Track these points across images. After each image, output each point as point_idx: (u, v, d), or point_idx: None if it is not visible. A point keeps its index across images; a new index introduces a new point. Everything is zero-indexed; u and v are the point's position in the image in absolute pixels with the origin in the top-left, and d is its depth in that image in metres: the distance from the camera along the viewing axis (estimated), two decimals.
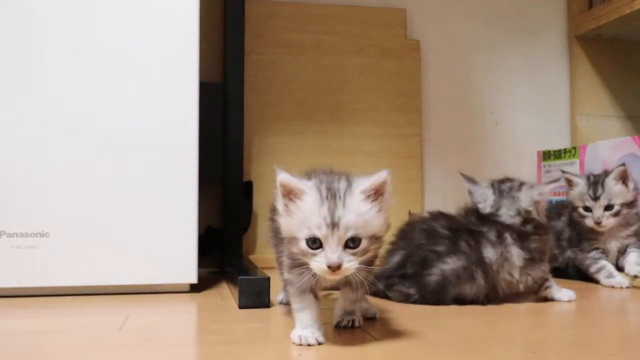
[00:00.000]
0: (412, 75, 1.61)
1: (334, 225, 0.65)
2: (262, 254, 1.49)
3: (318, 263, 0.65)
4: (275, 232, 0.75)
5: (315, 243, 0.65)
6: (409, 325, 0.80)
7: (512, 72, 1.69)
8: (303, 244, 0.66)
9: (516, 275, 0.96)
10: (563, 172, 1.25)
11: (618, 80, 1.68)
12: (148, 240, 1.04)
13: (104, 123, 1.05)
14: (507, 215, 0.99)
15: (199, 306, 0.97)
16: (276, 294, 0.95)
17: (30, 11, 1.03)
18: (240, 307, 0.92)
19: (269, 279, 0.94)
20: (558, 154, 1.51)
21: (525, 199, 0.98)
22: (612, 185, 1.16)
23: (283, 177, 0.68)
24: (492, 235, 0.98)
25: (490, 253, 0.96)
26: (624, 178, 1.16)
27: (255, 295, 0.93)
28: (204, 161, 1.14)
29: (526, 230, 0.98)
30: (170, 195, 1.06)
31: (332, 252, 0.65)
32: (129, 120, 1.06)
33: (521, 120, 1.69)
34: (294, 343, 0.69)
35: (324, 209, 0.65)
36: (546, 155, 1.56)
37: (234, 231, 1.39)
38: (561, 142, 1.68)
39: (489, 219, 1.00)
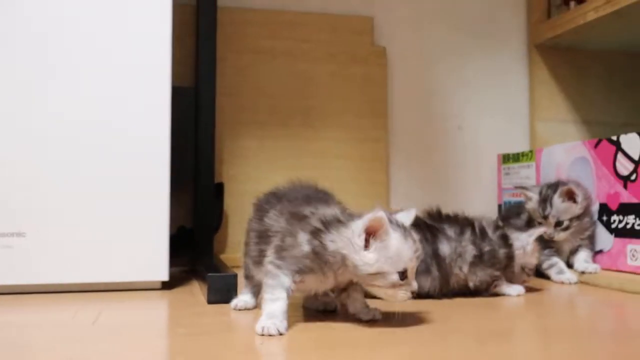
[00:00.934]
0: (379, 80, 1.67)
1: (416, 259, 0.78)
2: (233, 253, 1.54)
3: (403, 292, 0.77)
4: (260, 234, 0.83)
5: (403, 275, 0.77)
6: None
7: (475, 78, 1.76)
8: (395, 277, 0.76)
9: (465, 270, 1.03)
10: (517, 187, 1.33)
11: (574, 86, 1.76)
12: (121, 239, 1.09)
13: (79, 125, 1.09)
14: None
15: (170, 302, 1.02)
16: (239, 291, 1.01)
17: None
18: (209, 302, 0.97)
19: (236, 275, 0.99)
20: (516, 157, 1.58)
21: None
22: (559, 203, 1.24)
23: (382, 216, 0.75)
24: (451, 231, 1.05)
25: (445, 247, 1.03)
26: (570, 195, 1.24)
27: (223, 292, 0.98)
28: (176, 163, 1.19)
29: (490, 236, 1.06)
30: (142, 197, 1.10)
31: (415, 282, 0.78)
32: (103, 122, 1.10)
33: (483, 124, 1.76)
34: (256, 333, 0.75)
35: (410, 245, 0.77)
36: (505, 159, 1.63)
37: (205, 231, 1.43)
38: (521, 145, 1.76)
39: (452, 218, 1.07)
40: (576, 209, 1.25)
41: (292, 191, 0.88)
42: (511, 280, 1.09)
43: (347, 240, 0.77)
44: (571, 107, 1.76)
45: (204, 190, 1.44)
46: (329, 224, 0.78)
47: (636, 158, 1.20)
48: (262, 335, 0.74)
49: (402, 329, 0.79)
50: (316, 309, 0.91)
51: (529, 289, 1.12)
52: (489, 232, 1.07)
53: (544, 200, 1.27)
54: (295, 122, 1.61)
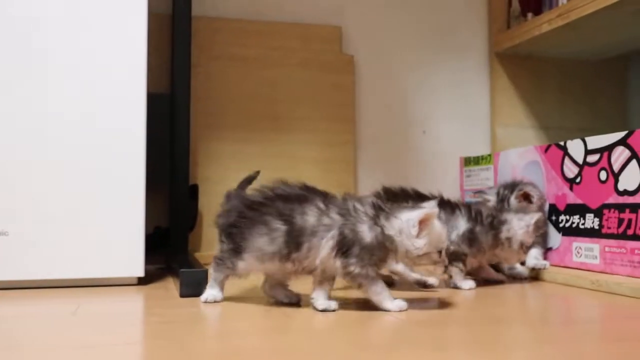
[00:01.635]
0: (346, 87, 1.75)
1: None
2: (208, 251, 1.62)
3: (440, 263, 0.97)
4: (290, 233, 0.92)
5: (440, 253, 0.93)
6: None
7: (439, 85, 1.85)
8: (436, 256, 0.93)
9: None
10: (476, 192, 1.41)
11: (532, 93, 1.85)
12: (99, 237, 1.16)
13: (58, 127, 1.16)
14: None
15: (145, 296, 1.09)
16: None
17: None
18: (181, 296, 1.05)
19: (206, 271, 1.07)
20: (477, 160, 1.67)
21: None
22: (516, 204, 1.33)
23: (434, 211, 0.92)
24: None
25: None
26: (525, 197, 1.33)
27: (195, 286, 1.05)
28: (152, 166, 1.26)
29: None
30: (119, 197, 1.18)
31: (446, 258, 0.97)
32: (81, 125, 1.17)
33: (446, 129, 1.85)
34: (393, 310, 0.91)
35: (444, 230, 0.95)
36: (467, 161, 1.72)
37: (180, 230, 1.50)
38: (482, 149, 1.85)
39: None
40: (533, 209, 1.33)
41: (288, 189, 0.96)
42: (508, 260, 1.22)
43: (398, 229, 0.91)
44: (529, 113, 1.85)
45: (179, 192, 1.51)
46: (377, 214, 0.92)
47: (580, 162, 1.29)
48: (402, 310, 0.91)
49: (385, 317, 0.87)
50: (280, 300, 0.99)
51: (485, 283, 1.21)
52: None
53: (502, 201, 1.35)
54: (266, 126, 1.69)
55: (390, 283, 1.21)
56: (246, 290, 1.13)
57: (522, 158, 1.48)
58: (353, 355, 0.67)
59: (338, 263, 0.90)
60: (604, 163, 1.23)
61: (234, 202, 1.01)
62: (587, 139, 1.28)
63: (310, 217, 0.91)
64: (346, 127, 1.75)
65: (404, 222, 0.91)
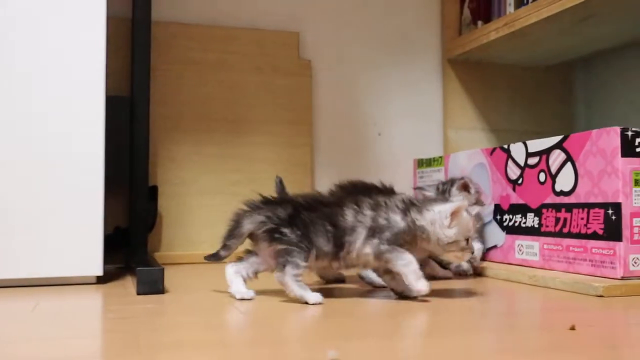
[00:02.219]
0: (304, 91, 1.80)
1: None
2: (167, 251, 1.66)
3: (468, 253, 1.04)
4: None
5: (467, 242, 1.03)
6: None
7: (394, 89, 1.92)
8: (464, 243, 1.02)
9: None
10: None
11: (482, 97, 1.93)
12: (58, 237, 1.19)
13: (16, 128, 1.19)
14: None
15: (103, 294, 1.12)
16: (168, 283, 1.13)
17: None
18: (138, 293, 1.09)
19: (163, 269, 1.11)
20: (429, 162, 1.74)
21: None
22: (457, 194, 1.39)
23: (465, 204, 1.02)
24: None
25: None
26: (465, 187, 1.40)
27: (151, 284, 1.09)
28: (113, 167, 1.30)
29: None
30: (78, 197, 1.21)
31: (472, 245, 1.06)
32: (39, 126, 1.20)
33: (400, 131, 1.92)
34: (421, 292, 0.99)
35: (472, 220, 1.04)
36: (420, 163, 1.78)
37: (140, 231, 1.54)
38: (435, 151, 1.92)
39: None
40: (472, 199, 1.40)
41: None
42: (437, 254, 1.24)
43: (430, 220, 1.01)
44: (480, 116, 1.93)
45: (139, 193, 1.54)
46: (409, 207, 1.02)
47: (522, 164, 1.36)
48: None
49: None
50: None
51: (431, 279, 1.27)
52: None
53: (443, 193, 1.41)
54: (225, 128, 1.73)
55: (342, 280, 1.26)
56: (210, 287, 1.17)
57: (470, 160, 1.54)
58: (308, 344, 0.72)
59: (368, 248, 1.00)
60: (542, 165, 1.30)
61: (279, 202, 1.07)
62: (528, 142, 1.35)
63: (348, 217, 1.01)
64: (304, 129, 1.80)
65: (437, 214, 1.01)
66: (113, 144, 1.30)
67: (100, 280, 1.24)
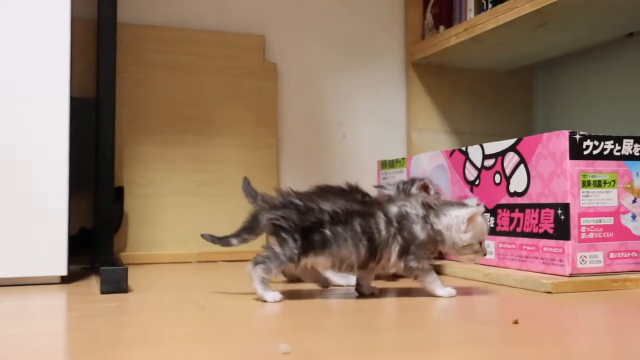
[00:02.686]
0: (269, 93, 1.83)
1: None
2: (133, 251, 1.67)
3: (481, 255, 1.08)
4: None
5: (481, 244, 1.07)
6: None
7: (358, 92, 1.96)
8: (477, 246, 1.06)
9: None
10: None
11: (445, 100, 1.98)
12: (21, 237, 1.21)
13: None
14: None
15: (67, 293, 1.14)
16: (133, 282, 1.15)
17: None
18: (102, 292, 1.11)
19: (126, 269, 1.13)
20: (392, 164, 1.78)
21: None
22: (417, 194, 1.43)
23: (482, 209, 1.06)
24: None
25: None
26: (424, 188, 1.44)
27: (115, 283, 1.11)
28: (78, 168, 1.31)
29: None
30: (42, 198, 1.22)
31: (486, 247, 1.10)
32: (3, 127, 1.21)
33: (365, 133, 1.96)
34: (448, 295, 1.06)
35: (486, 223, 1.09)
36: (384, 164, 1.82)
37: (106, 231, 1.55)
38: (399, 152, 1.96)
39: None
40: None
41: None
42: None
43: (446, 224, 1.05)
44: (442, 119, 1.98)
45: (104, 194, 1.55)
46: (427, 213, 1.05)
47: (479, 166, 1.41)
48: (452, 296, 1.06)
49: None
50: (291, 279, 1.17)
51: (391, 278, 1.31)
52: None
53: (403, 192, 1.45)
54: (192, 130, 1.75)
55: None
56: (175, 286, 1.19)
57: (431, 162, 1.59)
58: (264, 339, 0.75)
59: (401, 263, 1.05)
60: (498, 167, 1.35)
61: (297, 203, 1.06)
62: (484, 145, 1.39)
63: (383, 231, 1.04)
64: (269, 131, 1.83)
65: (453, 219, 1.05)
66: (79, 145, 1.32)
67: (64, 280, 1.26)
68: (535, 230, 1.24)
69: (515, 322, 0.83)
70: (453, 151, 1.50)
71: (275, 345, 0.68)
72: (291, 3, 1.90)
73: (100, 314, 0.92)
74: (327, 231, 1.01)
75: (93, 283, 1.26)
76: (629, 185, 1.21)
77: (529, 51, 1.81)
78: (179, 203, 1.72)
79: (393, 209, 1.06)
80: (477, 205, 1.08)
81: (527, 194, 1.27)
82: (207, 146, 1.76)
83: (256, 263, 1.01)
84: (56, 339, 0.78)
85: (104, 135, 1.55)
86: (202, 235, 1.11)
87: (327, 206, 1.03)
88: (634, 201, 1.22)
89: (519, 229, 1.29)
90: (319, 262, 1.04)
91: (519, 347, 0.71)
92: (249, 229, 1.08)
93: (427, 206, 1.07)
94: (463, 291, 1.13)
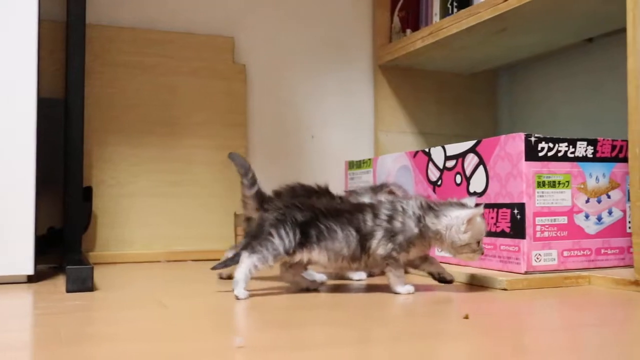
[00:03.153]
0: (239, 94, 1.86)
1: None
2: (102, 251, 1.69)
3: (478, 254, 1.11)
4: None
5: (479, 243, 1.11)
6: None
7: (327, 93, 1.99)
8: (475, 245, 1.10)
9: None
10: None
11: (412, 102, 2.02)
12: None
13: None
14: None
15: (33, 292, 1.15)
16: (100, 281, 1.16)
17: None
18: (68, 291, 1.12)
19: (92, 268, 1.14)
20: (359, 164, 1.81)
21: None
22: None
23: (481, 211, 1.11)
24: None
25: None
26: (390, 193, 1.47)
27: (81, 282, 1.13)
28: (46, 168, 1.32)
29: None
30: (8, 198, 1.23)
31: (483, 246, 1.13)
32: None
33: (333, 134, 1.99)
34: (401, 293, 1.09)
35: (484, 224, 1.12)
36: (351, 165, 1.86)
37: (74, 231, 1.56)
38: (366, 153, 2.00)
39: None
40: None
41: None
42: None
43: (446, 225, 1.09)
44: (409, 120, 2.02)
45: (73, 194, 1.57)
46: (426, 212, 1.10)
47: (441, 167, 1.45)
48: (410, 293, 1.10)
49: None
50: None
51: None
52: None
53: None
54: (162, 131, 1.77)
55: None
56: (141, 284, 1.21)
57: (396, 162, 1.62)
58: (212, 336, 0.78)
59: (381, 249, 1.08)
60: (459, 168, 1.39)
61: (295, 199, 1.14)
62: (446, 146, 1.43)
63: (369, 222, 1.09)
64: (238, 132, 1.85)
65: (453, 219, 1.09)
66: (48, 145, 1.33)
67: (31, 279, 1.27)
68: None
69: (466, 317, 0.86)
70: (417, 152, 1.54)
71: (230, 340, 0.71)
72: (260, 5, 1.92)
73: (64, 312, 0.94)
74: (322, 225, 1.08)
75: (60, 282, 1.27)
76: (582, 186, 1.26)
77: (492, 55, 1.86)
78: (148, 203, 1.74)
79: (386, 205, 1.12)
80: (476, 205, 1.12)
81: (485, 194, 1.31)
82: (176, 147, 1.78)
83: (253, 252, 1.05)
84: (19, 335, 0.79)
85: (72, 136, 1.56)
86: (214, 267, 1.14)
87: (320, 204, 1.11)
88: (587, 201, 1.26)
89: None
90: (315, 256, 1.09)
91: (456, 341, 0.75)
92: (256, 237, 1.09)
93: (426, 207, 1.11)
94: (423, 288, 1.16)
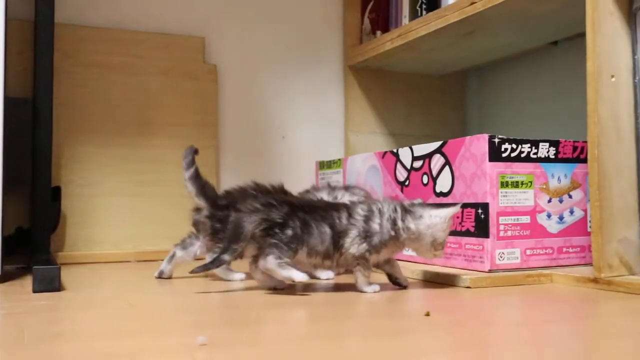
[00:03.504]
0: (209, 94, 1.86)
1: None
2: (71, 251, 1.68)
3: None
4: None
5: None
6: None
7: (297, 94, 2.00)
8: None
9: None
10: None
11: (382, 103, 2.04)
12: None
13: None
14: None
15: (0, 292, 1.15)
16: (68, 281, 1.16)
17: None
18: (34, 291, 1.12)
19: (59, 267, 1.14)
20: (329, 164, 1.83)
21: None
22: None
23: (459, 210, 1.15)
24: None
25: None
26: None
27: (48, 281, 1.13)
28: (14, 168, 1.31)
29: None
30: None
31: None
32: None
33: (304, 134, 2.00)
34: (366, 292, 1.12)
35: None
36: (321, 165, 1.87)
37: (42, 231, 1.56)
38: (337, 154, 2.01)
39: None
40: None
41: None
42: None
43: (427, 225, 1.11)
44: (379, 121, 2.04)
45: (41, 193, 1.56)
46: (403, 215, 1.12)
47: (408, 167, 1.47)
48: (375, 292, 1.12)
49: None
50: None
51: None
52: None
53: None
54: (132, 130, 1.77)
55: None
56: (109, 284, 1.21)
57: (365, 163, 1.64)
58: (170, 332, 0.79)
59: (354, 249, 1.10)
60: (425, 168, 1.41)
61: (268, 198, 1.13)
62: (413, 147, 1.45)
63: (343, 220, 1.11)
64: (209, 132, 1.85)
65: (433, 218, 1.11)
66: (16, 145, 1.32)
67: None
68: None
69: (427, 315, 0.88)
70: (385, 153, 1.56)
71: (193, 338, 0.72)
72: (232, 6, 1.93)
73: (29, 312, 0.94)
74: (298, 222, 1.09)
75: (27, 282, 1.27)
76: (544, 186, 1.29)
77: (460, 57, 1.89)
78: (118, 203, 1.74)
79: (362, 206, 1.14)
80: (455, 205, 1.14)
81: (451, 194, 1.33)
82: (146, 147, 1.78)
83: (267, 255, 1.07)
84: None
85: (40, 135, 1.55)
86: (193, 271, 1.11)
87: (296, 201, 1.13)
88: (549, 201, 1.29)
89: None
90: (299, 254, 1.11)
91: (415, 337, 0.77)
92: (235, 238, 1.09)
93: (402, 210, 1.13)
94: (388, 287, 1.18)
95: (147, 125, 1.79)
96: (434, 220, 1.12)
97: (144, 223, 1.75)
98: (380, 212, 1.12)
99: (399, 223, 1.11)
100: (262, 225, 1.08)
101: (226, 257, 1.09)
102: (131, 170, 1.77)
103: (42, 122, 1.56)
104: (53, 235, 1.63)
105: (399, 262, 1.20)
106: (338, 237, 1.11)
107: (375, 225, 1.11)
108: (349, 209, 1.13)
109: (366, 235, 1.11)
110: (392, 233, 1.11)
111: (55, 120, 1.61)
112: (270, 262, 1.07)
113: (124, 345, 0.72)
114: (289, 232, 1.08)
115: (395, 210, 1.13)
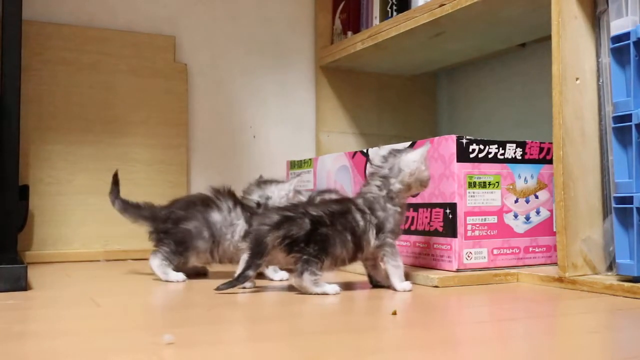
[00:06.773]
0: (180, 93, 1.85)
1: None
2: (39, 250, 1.66)
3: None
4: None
5: None
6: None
7: (269, 94, 2.00)
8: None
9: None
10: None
11: (353, 103, 2.05)
12: None
13: None
14: None
15: None
16: (35, 281, 1.15)
17: None
18: (0, 290, 1.11)
19: (26, 267, 1.13)
20: (300, 164, 1.83)
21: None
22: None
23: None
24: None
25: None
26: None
27: (14, 281, 1.11)
28: None
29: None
30: None
31: None
32: None
33: (275, 134, 2.00)
34: (404, 290, 1.13)
35: None
36: (292, 165, 1.88)
37: (9, 230, 1.53)
38: (308, 153, 2.02)
39: None
40: None
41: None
42: None
43: (409, 173, 1.14)
44: (350, 121, 2.05)
45: (8, 192, 1.54)
46: (386, 184, 1.15)
47: None
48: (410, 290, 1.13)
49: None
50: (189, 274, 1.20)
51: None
52: None
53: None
54: (100, 129, 1.75)
55: (204, 273, 1.33)
56: (76, 283, 1.20)
57: (335, 163, 1.65)
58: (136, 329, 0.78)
59: (375, 241, 1.13)
60: None
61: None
62: (382, 147, 1.46)
63: (360, 222, 1.12)
64: (180, 131, 1.85)
65: (412, 163, 1.14)
66: None
67: None
68: (427, 229, 1.32)
69: (394, 313, 0.89)
70: (355, 153, 1.57)
71: (160, 337, 0.72)
72: (203, 5, 1.92)
73: None
74: (319, 237, 1.09)
75: None
76: (511, 187, 1.31)
77: (431, 58, 1.91)
78: (87, 202, 1.72)
79: (359, 200, 1.15)
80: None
81: (420, 194, 1.35)
82: (116, 145, 1.77)
83: (301, 272, 1.07)
84: None
85: (8, 133, 1.53)
86: (219, 288, 1.09)
87: (313, 211, 1.11)
88: (516, 201, 1.31)
89: (413, 227, 1.36)
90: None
91: (380, 334, 0.77)
92: (258, 254, 1.09)
93: (383, 182, 1.15)
94: (355, 286, 1.19)
95: (116, 123, 1.77)
96: (413, 165, 1.14)
97: (113, 222, 1.73)
98: (375, 198, 1.14)
99: (392, 194, 1.14)
100: (285, 242, 1.08)
101: (250, 272, 1.09)
102: (100, 168, 1.75)
103: (9, 120, 1.53)
104: (20, 234, 1.61)
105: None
106: (360, 239, 1.12)
107: (380, 213, 1.14)
108: (356, 205, 1.14)
109: (378, 228, 1.13)
110: (396, 208, 1.14)
111: (23, 118, 1.59)
112: (306, 280, 1.07)
113: (89, 343, 0.72)
114: (314, 246, 1.08)
115: (380, 188, 1.15)
